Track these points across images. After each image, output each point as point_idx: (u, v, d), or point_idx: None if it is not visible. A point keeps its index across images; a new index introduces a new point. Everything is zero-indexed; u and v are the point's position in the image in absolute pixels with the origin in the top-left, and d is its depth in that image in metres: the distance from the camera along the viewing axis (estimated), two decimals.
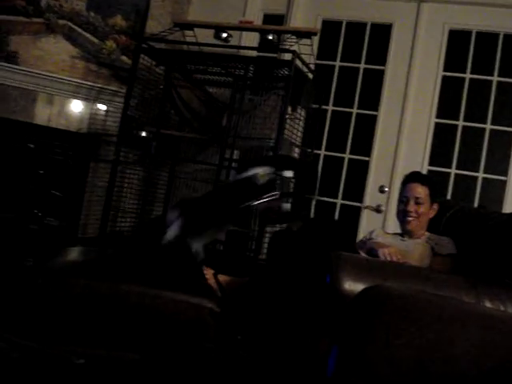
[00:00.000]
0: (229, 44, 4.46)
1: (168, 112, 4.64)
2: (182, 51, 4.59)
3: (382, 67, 4.72)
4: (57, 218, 4.79)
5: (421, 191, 3.09)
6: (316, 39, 4.63)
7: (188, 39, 4.60)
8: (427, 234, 3.11)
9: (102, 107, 4.74)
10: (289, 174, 4.01)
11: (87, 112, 4.74)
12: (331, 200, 4.72)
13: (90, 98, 4.70)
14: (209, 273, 2.86)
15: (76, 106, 4.71)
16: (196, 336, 2.25)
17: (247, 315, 2.39)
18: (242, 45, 4.79)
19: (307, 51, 4.24)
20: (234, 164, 4.39)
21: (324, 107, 4.68)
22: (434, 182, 3.23)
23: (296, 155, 4.27)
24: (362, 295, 1.98)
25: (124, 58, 4.79)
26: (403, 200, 3.14)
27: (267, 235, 3.88)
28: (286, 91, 3.96)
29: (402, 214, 3.13)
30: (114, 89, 4.71)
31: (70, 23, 4.73)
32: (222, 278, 2.87)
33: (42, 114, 4.65)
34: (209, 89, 4.67)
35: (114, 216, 4.73)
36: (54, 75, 4.61)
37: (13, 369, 1.94)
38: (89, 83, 4.68)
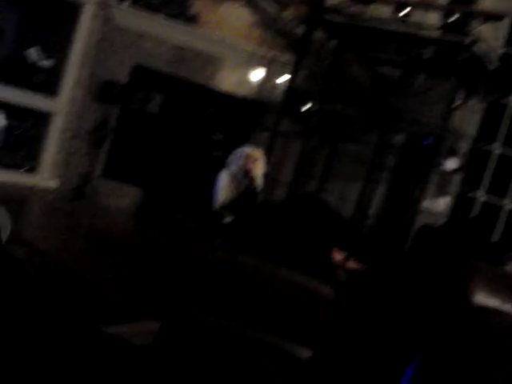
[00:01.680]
0: (408, 22, 4.19)
1: (335, 87, 4.51)
2: (358, 26, 4.40)
3: None
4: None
5: None
6: (505, 23, 4.20)
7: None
8: None
9: (272, 76, 4.73)
10: (451, 164, 3.73)
11: (256, 80, 4.77)
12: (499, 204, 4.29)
13: (261, 66, 4.72)
14: (338, 256, 2.74)
15: (246, 73, 4.76)
16: (305, 320, 2.15)
17: (365, 307, 2.24)
18: (422, 23, 4.47)
19: (494, 36, 3.86)
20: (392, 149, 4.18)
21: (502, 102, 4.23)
22: None
23: (463, 150, 3.93)
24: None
25: (300, 28, 4.72)
26: None
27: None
28: (462, 78, 3.64)
29: None
30: (285, 59, 4.67)
31: None
32: (352, 263, 2.74)
33: (213, 79, 4.75)
34: (379, 67, 4.44)
35: (270, 186, 4.75)
36: (230, 41, 4.68)
37: None
38: (262, 52, 4.69)
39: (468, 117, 3.95)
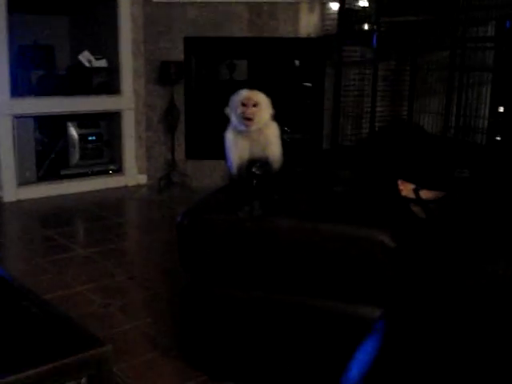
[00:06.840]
0: None
1: None
2: None
3: None
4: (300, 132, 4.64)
5: None
6: None
7: None
8: None
9: (332, 5, 4.31)
10: None
11: (317, 14, 4.38)
12: None
13: None
14: (406, 188, 2.35)
15: (300, 11, 4.38)
16: (365, 277, 1.85)
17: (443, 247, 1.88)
18: None
19: None
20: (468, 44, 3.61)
21: None
22: None
23: None
24: None
25: None
26: None
27: None
28: None
29: None
30: None
31: None
32: (425, 193, 2.35)
33: (268, 28, 4.43)
34: None
35: (357, 123, 4.39)
36: None
37: None
38: None
39: None
